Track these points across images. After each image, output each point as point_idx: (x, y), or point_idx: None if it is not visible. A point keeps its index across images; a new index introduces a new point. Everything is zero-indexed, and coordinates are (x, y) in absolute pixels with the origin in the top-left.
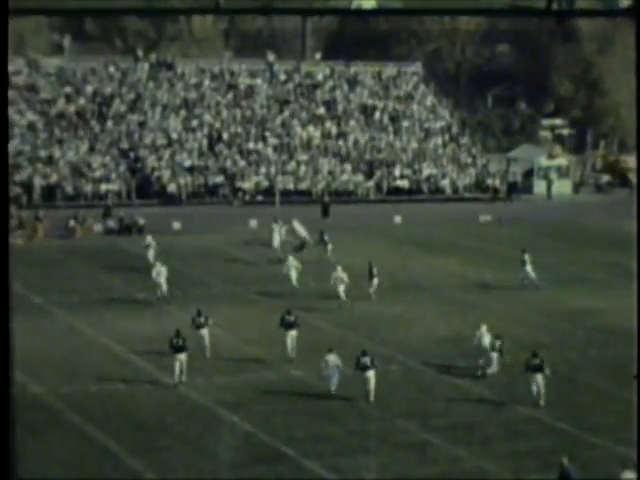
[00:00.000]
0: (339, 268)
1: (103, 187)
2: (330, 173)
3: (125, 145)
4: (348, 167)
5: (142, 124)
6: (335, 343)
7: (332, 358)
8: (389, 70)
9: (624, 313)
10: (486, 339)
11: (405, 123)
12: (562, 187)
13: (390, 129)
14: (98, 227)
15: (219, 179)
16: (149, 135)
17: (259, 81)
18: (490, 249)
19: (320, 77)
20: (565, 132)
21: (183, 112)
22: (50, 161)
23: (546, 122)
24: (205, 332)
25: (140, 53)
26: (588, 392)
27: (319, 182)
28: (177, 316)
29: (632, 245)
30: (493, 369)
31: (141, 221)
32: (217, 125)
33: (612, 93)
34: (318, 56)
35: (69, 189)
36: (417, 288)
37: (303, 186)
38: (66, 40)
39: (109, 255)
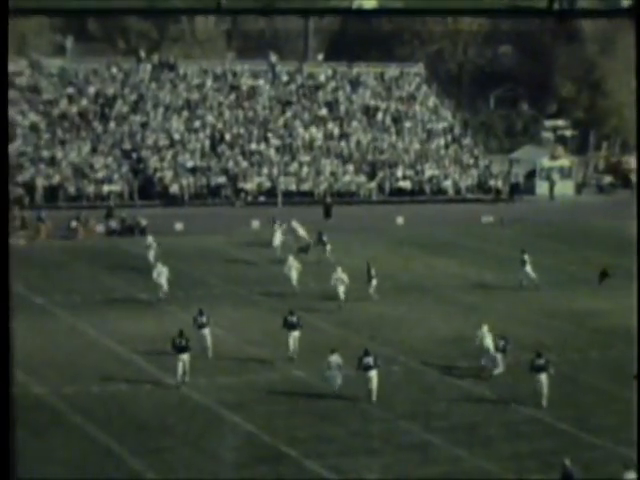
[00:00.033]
0: (339, 269)
1: (105, 188)
2: (332, 174)
3: (127, 146)
4: (350, 168)
5: (144, 125)
6: (337, 344)
7: (335, 359)
8: (391, 71)
9: (626, 314)
10: (488, 339)
11: (407, 124)
12: (564, 188)
13: (392, 130)
14: (100, 228)
15: (221, 180)
16: (151, 136)
17: (261, 82)
18: (492, 250)
19: (322, 78)
20: (567, 133)
21: (185, 113)
22: (52, 162)
23: (548, 123)
24: (207, 332)
25: (142, 54)
26: (590, 393)
27: (321, 183)
28: (179, 317)
29: (634, 246)
30: (500, 370)
31: (143, 222)
32: (219, 126)
33: (615, 94)
34: (320, 57)
35: (71, 190)
36: (419, 289)
37: (305, 187)
38: (68, 41)
39: (111, 256)
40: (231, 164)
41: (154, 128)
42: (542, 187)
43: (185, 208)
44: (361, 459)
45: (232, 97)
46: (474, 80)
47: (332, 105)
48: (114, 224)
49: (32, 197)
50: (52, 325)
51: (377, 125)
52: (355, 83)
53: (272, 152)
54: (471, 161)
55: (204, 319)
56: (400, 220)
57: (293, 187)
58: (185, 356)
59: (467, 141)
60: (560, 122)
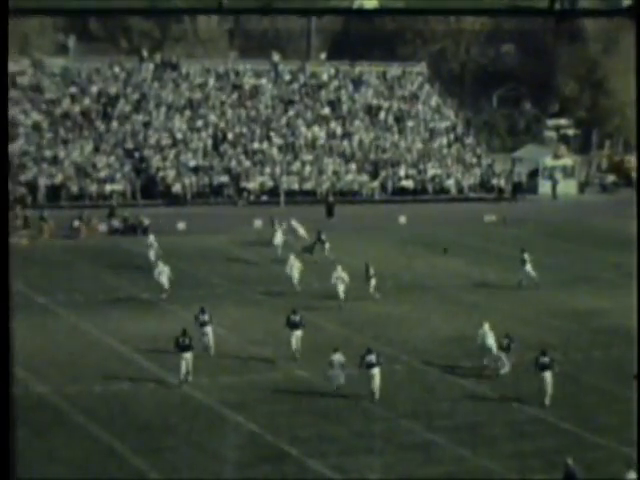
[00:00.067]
0: (339, 268)
1: (108, 187)
2: (335, 173)
3: (130, 145)
4: (353, 167)
5: (147, 124)
6: (340, 343)
7: (337, 358)
8: (394, 70)
9: (629, 313)
10: (489, 338)
11: (410, 123)
12: (567, 187)
13: (395, 129)
14: (103, 227)
15: (224, 179)
16: (154, 135)
17: (264, 81)
18: (495, 249)
19: (325, 77)
20: (570, 132)
21: (188, 112)
22: (55, 161)
23: (551, 122)
24: (209, 330)
25: (145, 53)
26: (593, 392)
27: (324, 182)
28: (181, 316)
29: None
30: (506, 369)
31: (146, 221)
32: (222, 125)
33: (617, 93)
34: (323, 56)
35: (74, 189)
36: (422, 288)
37: (308, 186)
38: (71, 40)
39: (114, 255)
40: (233, 163)
41: (156, 127)
42: (545, 186)
43: (187, 207)
44: (363, 458)
45: (234, 96)
46: (476, 79)
47: (335, 104)
48: (116, 223)
49: (35, 196)
50: (54, 324)
51: (379, 124)
52: (357, 82)
53: (275, 151)
54: (474, 160)
55: (206, 317)
56: (402, 219)
57: (296, 186)
58: (188, 355)
59: (470, 140)
60: (563, 121)
